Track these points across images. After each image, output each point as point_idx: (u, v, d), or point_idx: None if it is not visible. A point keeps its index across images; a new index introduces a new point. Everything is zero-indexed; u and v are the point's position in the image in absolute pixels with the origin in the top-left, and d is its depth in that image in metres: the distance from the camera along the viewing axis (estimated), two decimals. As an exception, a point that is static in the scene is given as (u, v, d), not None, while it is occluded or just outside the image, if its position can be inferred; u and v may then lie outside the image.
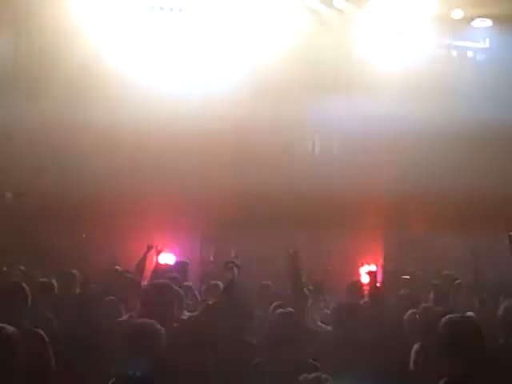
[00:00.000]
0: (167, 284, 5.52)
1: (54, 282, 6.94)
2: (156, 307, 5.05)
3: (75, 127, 12.30)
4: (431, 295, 7.44)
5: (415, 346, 5.42)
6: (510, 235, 5.86)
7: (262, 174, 12.79)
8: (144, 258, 7.55)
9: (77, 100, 12.54)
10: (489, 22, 13.81)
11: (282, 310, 5.40)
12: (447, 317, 4.22)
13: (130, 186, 12.51)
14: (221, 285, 6.43)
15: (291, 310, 5.31)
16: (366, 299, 6.67)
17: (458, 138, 13.41)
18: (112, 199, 12.31)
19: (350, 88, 13.40)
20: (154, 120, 12.50)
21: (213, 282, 7.16)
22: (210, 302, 5.71)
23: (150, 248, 7.99)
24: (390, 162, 13.38)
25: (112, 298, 6.30)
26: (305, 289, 5.96)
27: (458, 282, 7.86)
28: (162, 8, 13.00)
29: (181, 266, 8.42)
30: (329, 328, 5.80)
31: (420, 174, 13.31)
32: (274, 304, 6.07)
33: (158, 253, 8.47)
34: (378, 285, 6.66)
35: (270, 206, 12.71)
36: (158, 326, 4.28)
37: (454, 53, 13.63)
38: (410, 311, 6.09)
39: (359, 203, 12.80)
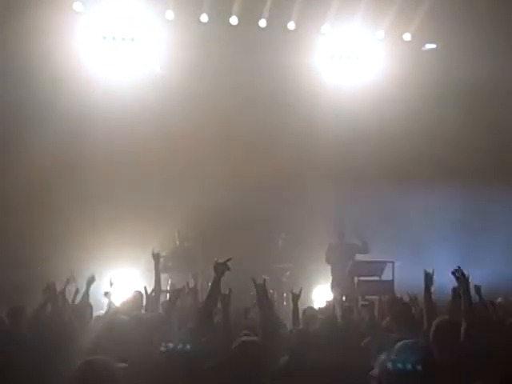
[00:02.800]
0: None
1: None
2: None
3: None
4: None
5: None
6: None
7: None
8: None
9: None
10: (436, 47, 14.17)
11: (245, 338, 5.25)
12: (400, 343, 4.26)
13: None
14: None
15: (255, 339, 5.18)
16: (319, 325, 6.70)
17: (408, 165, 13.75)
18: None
19: (299, 112, 13.60)
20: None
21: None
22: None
23: (91, 280, 8.01)
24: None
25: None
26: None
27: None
28: (114, 38, 13.04)
29: (134, 296, 8.36)
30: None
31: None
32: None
33: (111, 285, 8.39)
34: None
35: (228, 235, 12.90)
36: (114, 366, 4.14)
37: (402, 76, 13.81)
38: (367, 338, 6.11)
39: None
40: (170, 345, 5.02)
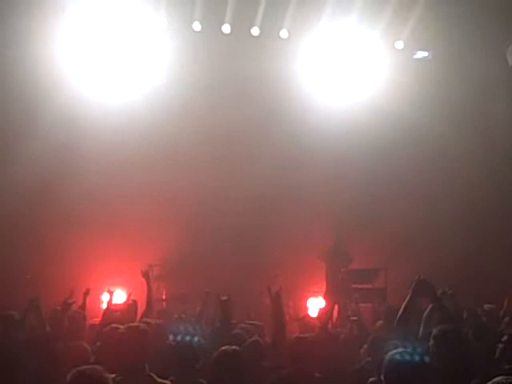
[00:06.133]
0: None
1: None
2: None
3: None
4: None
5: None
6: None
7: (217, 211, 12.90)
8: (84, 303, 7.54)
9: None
10: (429, 55, 14.18)
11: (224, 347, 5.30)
12: (389, 354, 4.24)
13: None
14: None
15: (235, 348, 5.23)
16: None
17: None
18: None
19: (292, 123, 13.57)
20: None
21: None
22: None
23: (87, 292, 7.91)
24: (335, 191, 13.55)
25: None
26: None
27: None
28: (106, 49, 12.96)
29: (130, 306, 8.25)
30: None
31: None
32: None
33: (111, 294, 8.32)
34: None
35: (221, 244, 12.84)
36: (106, 375, 4.06)
37: (396, 84, 13.78)
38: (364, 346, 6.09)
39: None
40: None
